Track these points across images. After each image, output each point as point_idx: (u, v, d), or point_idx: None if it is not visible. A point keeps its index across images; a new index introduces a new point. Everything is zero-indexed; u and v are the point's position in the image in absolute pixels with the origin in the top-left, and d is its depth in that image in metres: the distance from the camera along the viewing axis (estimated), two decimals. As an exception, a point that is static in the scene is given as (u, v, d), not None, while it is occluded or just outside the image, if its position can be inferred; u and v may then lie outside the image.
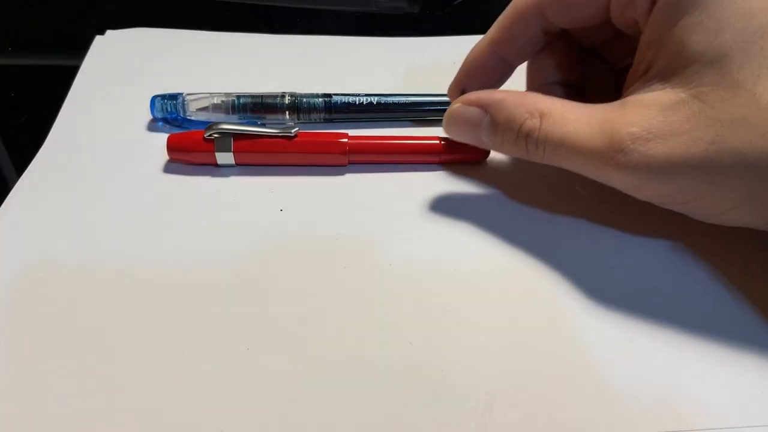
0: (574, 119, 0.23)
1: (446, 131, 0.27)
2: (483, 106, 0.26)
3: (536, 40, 0.27)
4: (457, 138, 0.27)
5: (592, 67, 0.29)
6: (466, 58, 0.29)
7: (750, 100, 0.20)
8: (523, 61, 0.29)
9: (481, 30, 0.28)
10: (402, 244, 0.25)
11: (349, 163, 0.29)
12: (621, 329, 0.22)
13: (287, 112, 0.31)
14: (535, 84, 0.29)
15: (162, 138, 0.29)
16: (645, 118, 0.21)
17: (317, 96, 0.31)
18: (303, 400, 0.20)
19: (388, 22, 0.42)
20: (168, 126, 0.31)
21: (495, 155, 0.30)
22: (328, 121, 0.32)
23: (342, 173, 0.29)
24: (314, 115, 0.31)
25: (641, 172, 0.21)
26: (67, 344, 0.21)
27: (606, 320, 0.23)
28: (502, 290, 0.24)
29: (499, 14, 0.27)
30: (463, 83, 0.29)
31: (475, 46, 0.28)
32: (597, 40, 0.28)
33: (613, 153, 0.21)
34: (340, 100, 0.31)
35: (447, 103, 0.32)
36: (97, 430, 0.19)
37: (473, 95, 0.26)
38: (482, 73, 0.28)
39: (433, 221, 0.26)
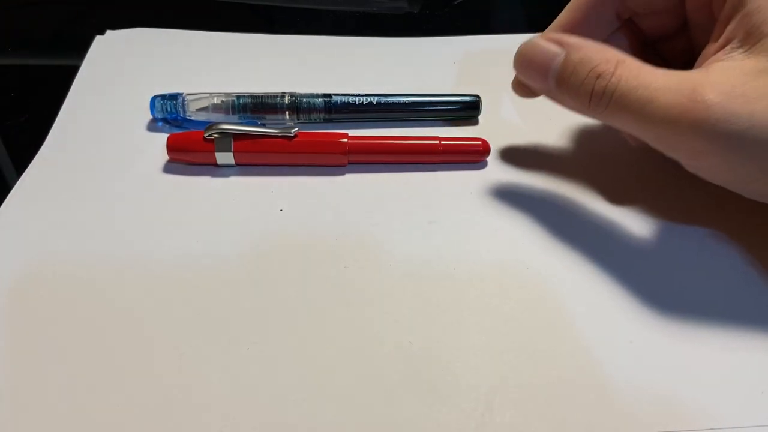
0: (650, 71, 0.22)
1: (515, 64, 0.26)
2: (561, 43, 0.24)
3: (608, 24, 0.27)
4: (523, 73, 0.26)
5: (654, 62, 0.29)
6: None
7: None
8: None
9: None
10: (402, 244, 0.25)
11: (349, 163, 0.29)
12: (621, 329, 0.22)
13: (287, 112, 0.31)
14: None
15: (162, 138, 0.29)
16: (729, 78, 0.21)
17: (317, 96, 0.31)
18: (303, 399, 0.20)
19: (388, 22, 0.42)
20: (168, 126, 0.31)
21: (494, 156, 0.30)
22: (328, 121, 0.32)
23: (342, 173, 0.29)
24: (314, 115, 0.31)
25: (719, 130, 0.20)
26: (67, 344, 0.21)
27: (606, 320, 0.23)
28: (502, 290, 0.24)
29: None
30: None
31: (545, 31, 0.27)
32: (661, 33, 0.28)
33: (692, 104, 0.20)
34: (340, 100, 0.31)
35: (447, 103, 0.32)
36: (96, 430, 0.19)
37: (553, 33, 0.25)
38: None
39: (433, 221, 0.26)
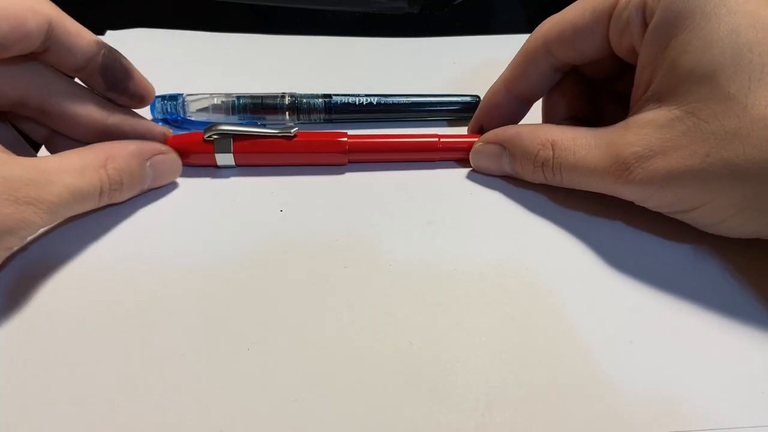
0: (583, 144, 0.25)
1: (473, 166, 0.29)
2: (500, 143, 0.28)
3: (547, 78, 0.28)
4: (485, 172, 0.29)
5: (605, 101, 0.30)
6: (483, 98, 0.30)
7: (742, 112, 0.21)
8: (538, 99, 0.30)
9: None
10: (402, 244, 0.25)
11: (349, 162, 0.29)
12: (621, 329, 0.22)
13: (287, 113, 0.31)
14: (550, 119, 0.30)
15: (162, 138, 0.29)
16: (645, 137, 0.23)
17: (317, 96, 0.31)
18: (303, 400, 0.20)
19: (388, 22, 0.42)
20: (168, 126, 0.31)
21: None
22: (328, 122, 0.32)
23: (342, 172, 0.29)
24: (314, 116, 0.31)
25: (646, 186, 0.23)
26: (67, 344, 0.21)
27: (606, 320, 0.23)
28: (502, 290, 0.24)
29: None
30: (482, 121, 0.30)
31: (491, 87, 0.30)
32: (606, 75, 0.29)
33: (620, 172, 0.23)
34: (340, 101, 0.31)
35: (447, 104, 0.32)
36: (97, 430, 0.19)
37: (491, 134, 0.29)
38: (499, 111, 0.30)
39: (433, 221, 0.27)
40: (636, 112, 0.24)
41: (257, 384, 0.21)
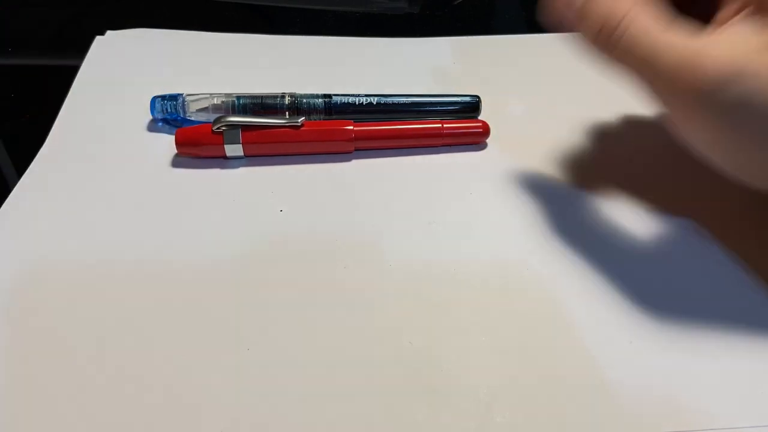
0: (662, 27, 0.22)
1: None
2: None
3: None
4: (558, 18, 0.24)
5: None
6: None
7: None
8: None
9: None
10: (402, 245, 0.25)
11: (355, 150, 0.30)
12: (621, 329, 0.22)
13: (287, 113, 0.31)
14: None
15: (162, 138, 0.29)
16: (732, 51, 0.20)
17: (317, 96, 0.31)
18: (303, 400, 0.20)
19: (388, 22, 0.42)
20: (168, 126, 0.31)
21: (494, 156, 0.30)
22: (329, 122, 0.32)
23: (347, 168, 0.29)
24: (314, 116, 0.31)
25: (711, 98, 0.20)
26: (67, 344, 0.21)
27: (606, 320, 0.23)
28: (502, 290, 0.24)
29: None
30: None
31: None
32: None
33: (692, 71, 0.20)
34: (340, 101, 0.31)
35: (447, 104, 0.32)
36: (97, 430, 0.19)
37: None
38: None
39: (432, 221, 0.27)
40: (726, 31, 0.21)
41: (257, 384, 0.21)
